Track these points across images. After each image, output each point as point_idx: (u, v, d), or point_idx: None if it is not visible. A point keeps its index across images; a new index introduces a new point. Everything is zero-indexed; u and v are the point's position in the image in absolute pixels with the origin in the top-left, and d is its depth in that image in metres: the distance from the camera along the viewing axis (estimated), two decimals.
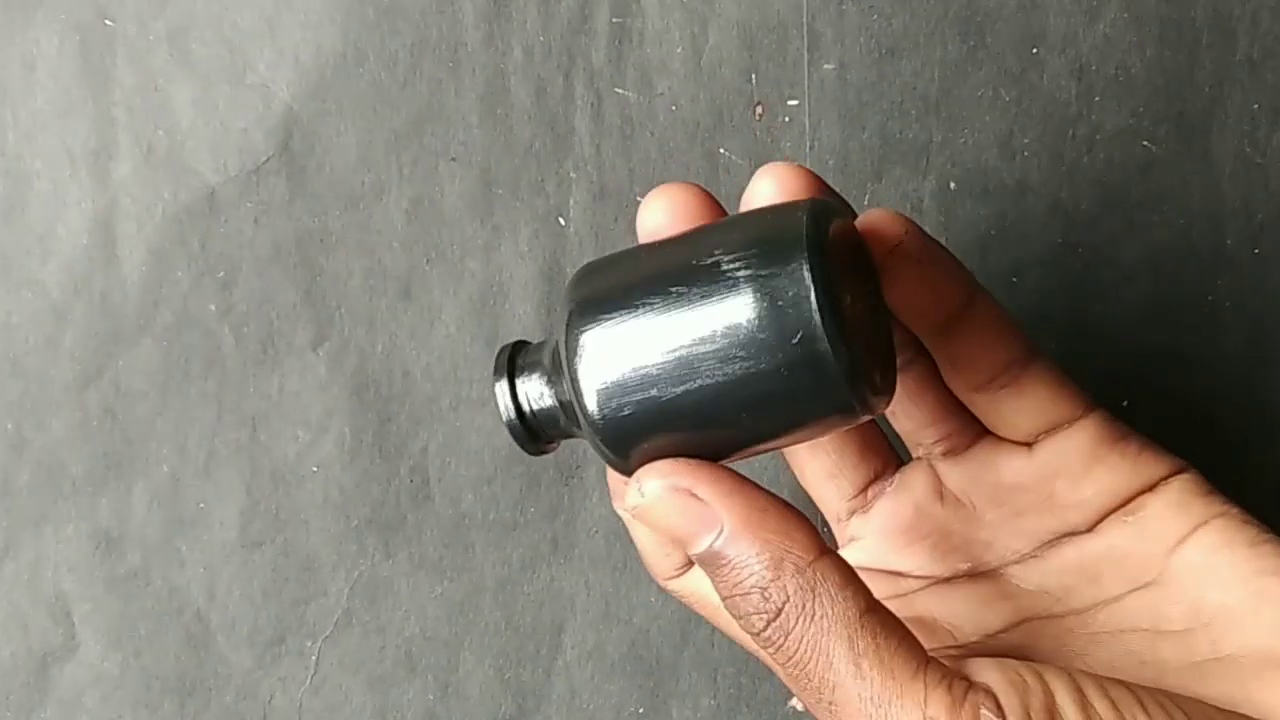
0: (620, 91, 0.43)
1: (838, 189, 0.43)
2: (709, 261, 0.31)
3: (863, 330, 0.32)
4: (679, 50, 0.43)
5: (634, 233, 0.42)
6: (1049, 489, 0.38)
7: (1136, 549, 0.37)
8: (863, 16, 0.43)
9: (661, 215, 0.35)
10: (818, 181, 0.34)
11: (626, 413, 0.31)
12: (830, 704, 0.30)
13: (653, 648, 0.44)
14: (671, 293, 0.31)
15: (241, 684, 0.44)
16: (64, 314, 0.43)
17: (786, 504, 0.32)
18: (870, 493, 0.39)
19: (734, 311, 0.30)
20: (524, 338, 0.43)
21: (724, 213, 0.35)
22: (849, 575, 0.31)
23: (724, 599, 0.32)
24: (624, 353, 0.31)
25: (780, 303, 0.30)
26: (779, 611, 0.31)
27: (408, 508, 0.44)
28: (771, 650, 0.31)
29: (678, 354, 0.31)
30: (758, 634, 0.31)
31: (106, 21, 0.42)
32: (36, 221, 0.42)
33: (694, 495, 0.32)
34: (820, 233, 0.30)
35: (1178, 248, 0.44)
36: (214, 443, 0.43)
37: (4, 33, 0.42)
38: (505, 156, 0.43)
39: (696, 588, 0.38)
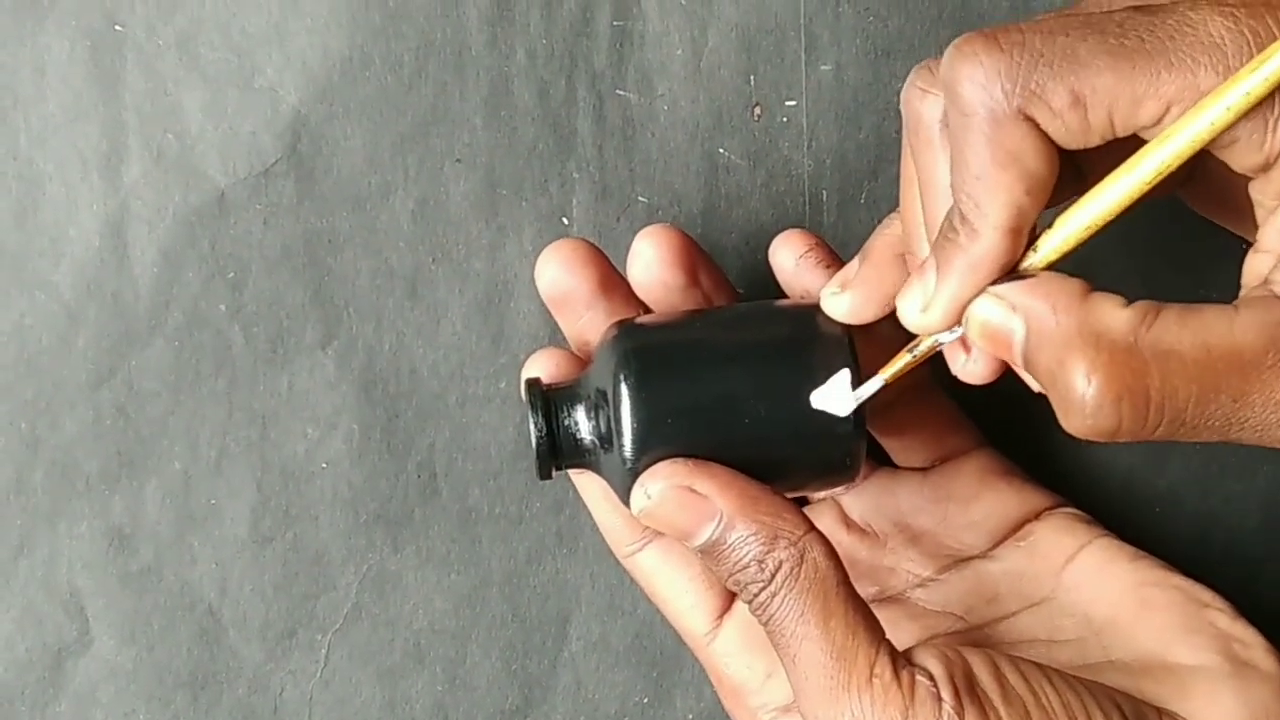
0: (621, 93, 0.44)
1: (835, 188, 0.44)
2: (763, 356, 0.36)
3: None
4: (679, 52, 0.44)
5: (635, 233, 0.43)
6: (942, 511, 0.42)
7: (1029, 570, 0.41)
8: (859, 18, 0.44)
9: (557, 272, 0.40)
10: (692, 245, 0.40)
11: (658, 459, 0.36)
12: (795, 656, 0.34)
13: (657, 638, 0.45)
14: (725, 377, 0.36)
15: (253, 677, 0.45)
16: (77, 315, 0.43)
17: (776, 491, 0.36)
18: None
19: (780, 411, 0.36)
20: (529, 339, 0.44)
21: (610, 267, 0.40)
22: (832, 549, 0.35)
23: (726, 580, 0.36)
24: (673, 411, 0.36)
25: (828, 429, 0.36)
26: (772, 578, 0.34)
27: (415, 503, 0.45)
28: (760, 613, 0.35)
29: (721, 426, 0.36)
30: (753, 600, 0.35)
31: (116, 27, 0.42)
32: (49, 224, 0.43)
33: (693, 491, 0.35)
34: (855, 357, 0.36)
35: (1172, 246, 0.45)
36: (225, 440, 0.44)
37: (15, 39, 0.42)
38: (509, 158, 0.44)
39: (648, 565, 0.41)
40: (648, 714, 0.46)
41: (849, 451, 0.37)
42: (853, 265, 0.37)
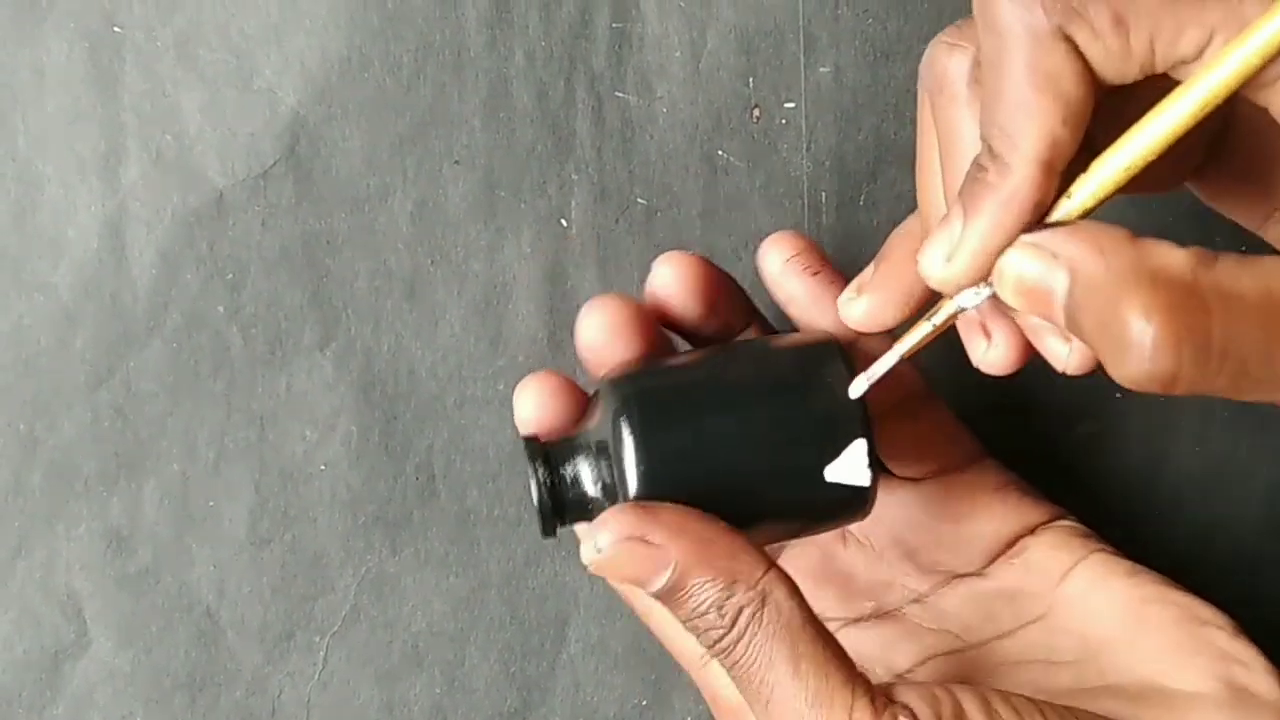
0: (620, 95, 0.44)
1: (834, 190, 0.44)
2: (768, 402, 0.35)
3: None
4: (677, 54, 0.44)
5: (634, 235, 0.43)
6: (937, 528, 0.40)
7: (1025, 587, 0.39)
8: (857, 20, 0.44)
9: (599, 331, 0.37)
10: (713, 274, 0.38)
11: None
12: (767, 703, 0.33)
13: (655, 641, 0.45)
14: (729, 423, 0.35)
15: (251, 679, 0.45)
16: (75, 316, 0.43)
17: (732, 531, 0.34)
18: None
19: (789, 459, 0.35)
20: (527, 340, 0.44)
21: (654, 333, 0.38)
22: (794, 588, 0.34)
23: (685, 626, 0.34)
24: (677, 460, 0.35)
25: (840, 462, 0.35)
26: (733, 624, 0.33)
27: (414, 504, 0.45)
28: (724, 658, 0.33)
29: (727, 474, 0.35)
30: (714, 646, 0.33)
31: (115, 29, 0.42)
32: (47, 225, 0.43)
33: (645, 541, 0.34)
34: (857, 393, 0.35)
35: None
36: (223, 442, 0.44)
37: (14, 40, 0.42)
38: (508, 159, 0.44)
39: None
40: (646, 717, 0.46)
41: (865, 499, 0.36)
42: (869, 270, 0.36)
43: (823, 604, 0.40)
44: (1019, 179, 0.29)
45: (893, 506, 0.41)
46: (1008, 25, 0.28)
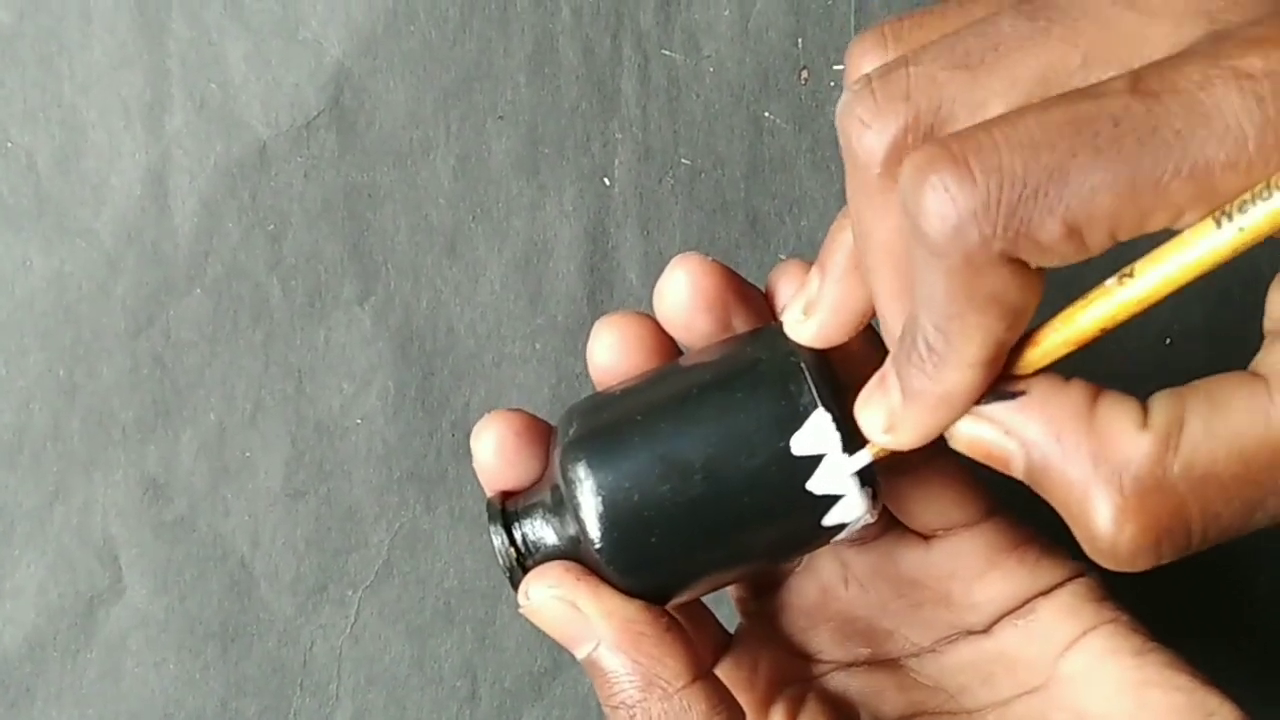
0: (667, 53, 0.43)
1: None
2: (729, 413, 0.31)
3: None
4: (726, 13, 0.43)
5: (677, 195, 0.43)
6: (945, 589, 0.38)
7: (1026, 653, 0.37)
8: None
9: (611, 351, 0.34)
10: (729, 277, 0.34)
11: (635, 549, 0.32)
12: None
13: None
14: (694, 447, 0.31)
15: (283, 631, 0.45)
16: (116, 263, 0.43)
17: (670, 624, 0.32)
18: (779, 571, 0.39)
19: (769, 475, 0.31)
20: (566, 299, 0.44)
21: (674, 347, 0.35)
22: (716, 702, 0.32)
23: (601, 702, 0.33)
24: (640, 497, 0.31)
25: (816, 472, 0.31)
26: None
27: (449, 461, 0.45)
28: None
29: (701, 505, 0.31)
30: None
31: None
32: (91, 172, 0.43)
33: (575, 606, 0.32)
34: (833, 382, 0.32)
35: None
36: (260, 393, 0.44)
37: None
38: (552, 116, 0.43)
39: None
40: None
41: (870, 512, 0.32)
42: (813, 282, 0.33)
43: (817, 644, 0.39)
44: (957, 379, 0.27)
45: (900, 564, 0.38)
46: (941, 248, 0.25)
